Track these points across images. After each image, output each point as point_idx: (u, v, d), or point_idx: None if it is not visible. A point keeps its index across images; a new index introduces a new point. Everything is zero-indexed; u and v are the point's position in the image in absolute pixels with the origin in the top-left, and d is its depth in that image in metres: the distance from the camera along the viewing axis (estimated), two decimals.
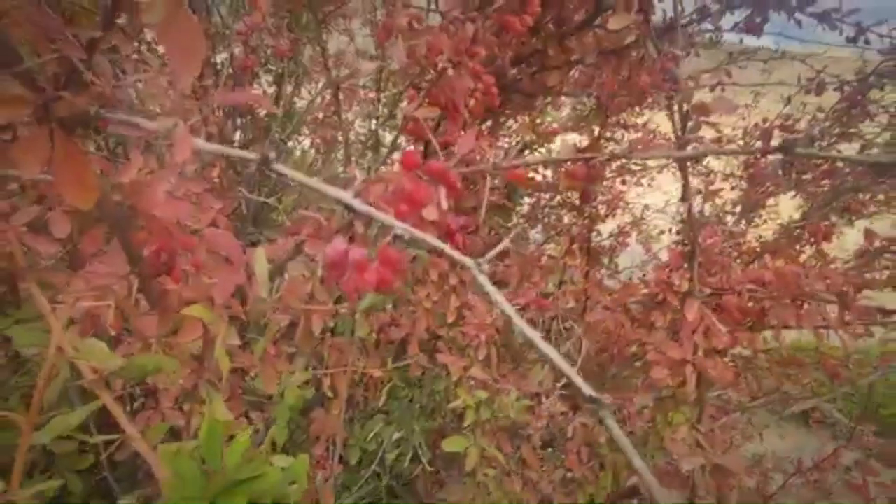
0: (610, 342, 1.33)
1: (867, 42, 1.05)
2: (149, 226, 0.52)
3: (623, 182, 2.63)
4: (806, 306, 1.12)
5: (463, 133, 0.83)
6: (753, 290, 1.12)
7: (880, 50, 1.45)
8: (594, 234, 2.32)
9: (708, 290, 1.16)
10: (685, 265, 1.21)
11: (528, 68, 1.23)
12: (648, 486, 0.26)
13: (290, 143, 2.23)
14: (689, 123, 0.87)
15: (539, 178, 2.57)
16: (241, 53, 1.12)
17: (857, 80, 1.30)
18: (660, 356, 1.04)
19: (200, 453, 0.37)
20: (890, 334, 1.11)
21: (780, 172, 1.68)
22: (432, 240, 0.30)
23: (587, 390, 0.25)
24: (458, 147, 0.46)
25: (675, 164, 2.65)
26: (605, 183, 2.47)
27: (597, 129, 2.12)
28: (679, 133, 0.80)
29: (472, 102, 0.72)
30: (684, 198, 0.92)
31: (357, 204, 0.30)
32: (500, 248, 0.35)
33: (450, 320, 1.16)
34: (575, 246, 1.59)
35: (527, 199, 2.64)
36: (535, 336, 0.30)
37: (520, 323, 0.30)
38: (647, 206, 2.83)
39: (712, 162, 2.58)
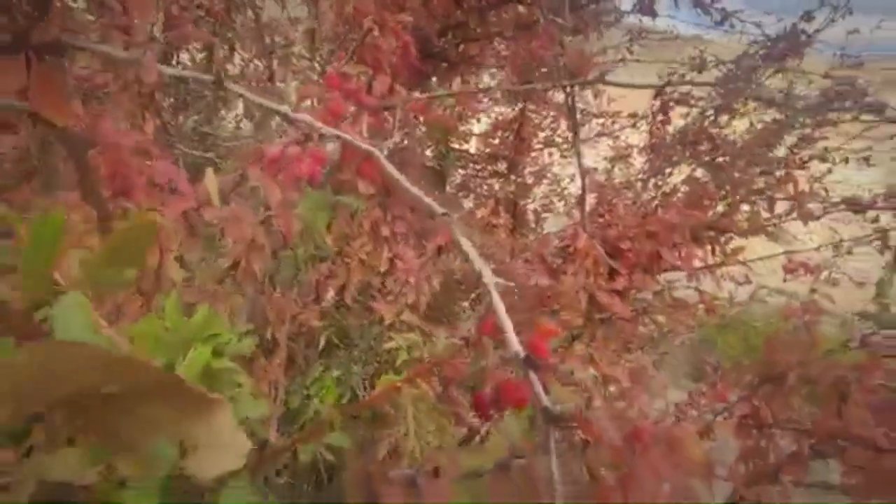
0: (528, 289, 1.49)
1: (732, 25, 1.25)
2: (105, 152, 0.60)
3: (549, 154, 2.82)
4: (685, 252, 1.33)
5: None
6: (647, 234, 1.31)
7: (765, 36, 1.68)
8: (524, 201, 2.50)
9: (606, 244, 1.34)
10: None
11: (453, 39, 1.34)
12: (494, 303, 0.38)
13: (222, 112, 2.24)
14: (579, 90, 1.01)
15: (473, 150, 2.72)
16: (176, 11, 1.15)
17: (734, 61, 1.50)
18: (564, 294, 1.21)
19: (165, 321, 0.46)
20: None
21: (679, 146, 1.90)
22: (343, 133, 0.40)
23: (437, 209, 0.37)
24: (375, 87, 0.56)
25: (597, 139, 2.87)
26: (532, 155, 2.65)
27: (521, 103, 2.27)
28: (568, 95, 0.94)
29: (393, 59, 0.82)
30: (576, 149, 1.07)
31: (293, 114, 0.40)
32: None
33: (382, 269, 1.28)
34: (501, 207, 1.74)
35: (461, 171, 2.78)
36: (476, 256, 0.41)
37: (467, 247, 0.41)
38: (571, 177, 3.04)
39: (632, 137, 2.81)
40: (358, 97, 0.48)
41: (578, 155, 1.07)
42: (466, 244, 0.38)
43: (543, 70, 1.28)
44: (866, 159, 1.38)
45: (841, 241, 1.32)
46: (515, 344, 0.33)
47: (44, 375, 0.18)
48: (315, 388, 1.44)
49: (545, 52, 0.94)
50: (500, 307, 0.36)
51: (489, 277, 0.36)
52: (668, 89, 1.79)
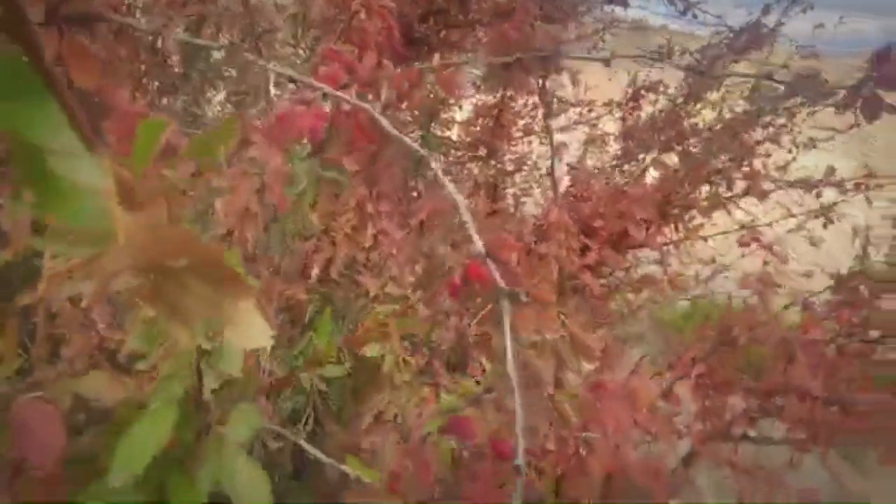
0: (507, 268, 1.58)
1: (695, 16, 1.34)
2: (117, 119, 0.66)
3: (529, 143, 2.90)
4: (652, 229, 1.42)
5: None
6: (617, 213, 1.40)
7: (727, 27, 1.78)
8: (503, 186, 2.58)
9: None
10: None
11: (434, 26, 1.41)
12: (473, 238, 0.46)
13: (209, 94, 2.27)
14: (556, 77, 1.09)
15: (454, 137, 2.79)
16: None
17: (700, 51, 1.60)
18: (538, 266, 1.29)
19: None
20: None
21: (650, 132, 2.00)
22: (338, 93, 0.47)
23: (421, 151, 0.44)
24: (364, 63, 0.63)
25: (576, 126, 2.97)
26: (512, 142, 2.73)
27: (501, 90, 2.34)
28: (540, 81, 1.02)
29: (378, 41, 0.88)
30: (547, 124, 1.16)
31: (301, 77, 0.47)
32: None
33: (367, 245, 1.34)
34: (481, 190, 1.82)
35: (442, 158, 2.85)
36: (462, 202, 0.48)
37: (454, 194, 0.48)
38: (549, 168, 3.13)
39: (608, 125, 2.92)
40: (353, 67, 0.55)
41: (549, 130, 1.15)
42: (452, 189, 0.46)
43: (517, 56, 1.35)
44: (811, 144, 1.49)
45: (791, 215, 1.43)
46: (480, 246, 0.40)
47: (144, 240, 0.25)
48: (301, 359, 1.51)
49: (517, 33, 1.01)
50: (479, 242, 0.43)
51: (467, 214, 0.43)
52: (640, 78, 1.89)
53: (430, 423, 0.80)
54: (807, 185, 1.35)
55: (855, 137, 1.86)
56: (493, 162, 2.43)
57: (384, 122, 0.46)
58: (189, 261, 0.28)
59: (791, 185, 1.36)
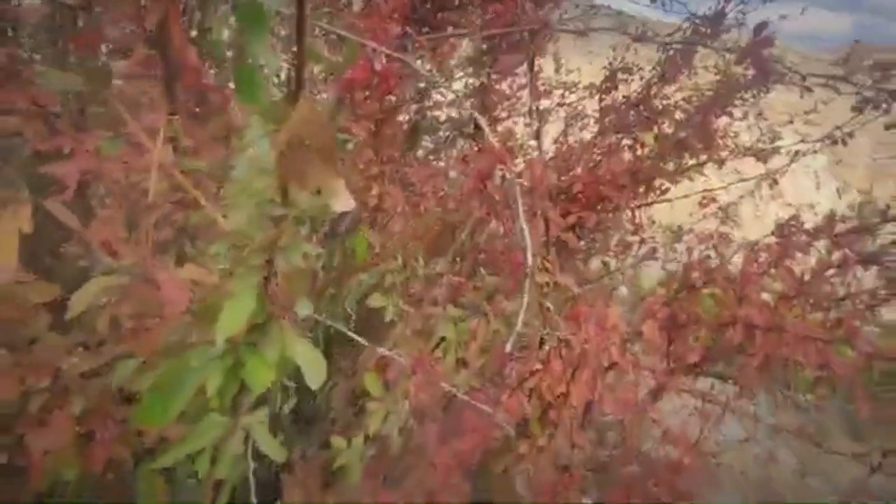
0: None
1: (663, 4, 1.51)
2: (186, 67, 0.79)
3: (514, 123, 3.07)
4: (626, 194, 1.60)
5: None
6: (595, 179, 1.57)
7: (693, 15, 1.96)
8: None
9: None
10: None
11: (432, 7, 1.55)
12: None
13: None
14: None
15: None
16: None
17: (671, 39, 1.77)
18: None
19: None
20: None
21: (627, 110, 2.17)
22: (376, 45, 0.62)
23: (422, 70, 0.59)
24: (389, 33, 0.78)
25: (558, 108, 3.14)
26: (497, 122, 2.89)
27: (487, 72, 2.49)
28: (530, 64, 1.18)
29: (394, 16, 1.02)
30: (531, 86, 1.31)
31: (348, 34, 0.61)
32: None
33: (371, 204, 1.49)
34: (469, 163, 1.98)
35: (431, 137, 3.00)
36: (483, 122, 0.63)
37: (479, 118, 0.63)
38: (534, 147, 3.31)
39: (588, 108, 3.09)
40: (377, 36, 0.70)
41: (533, 92, 1.31)
42: (493, 140, 0.61)
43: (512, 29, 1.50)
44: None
45: (742, 180, 1.62)
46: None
47: (296, 124, 0.40)
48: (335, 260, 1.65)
49: (508, 15, 1.16)
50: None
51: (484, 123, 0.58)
52: (616, 61, 2.06)
53: (442, 327, 0.96)
54: (758, 153, 1.54)
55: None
56: (479, 140, 2.58)
57: (412, 62, 0.61)
58: (315, 142, 0.43)
59: (745, 153, 1.55)
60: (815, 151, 1.54)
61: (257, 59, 0.36)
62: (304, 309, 0.70)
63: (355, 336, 0.90)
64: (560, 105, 2.88)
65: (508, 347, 0.71)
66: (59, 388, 1.05)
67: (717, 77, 1.98)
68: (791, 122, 2.39)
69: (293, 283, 0.69)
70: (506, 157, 1.25)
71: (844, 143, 1.54)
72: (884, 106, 1.27)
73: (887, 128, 1.28)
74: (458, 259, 1.42)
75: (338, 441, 1.15)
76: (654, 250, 1.75)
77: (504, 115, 2.99)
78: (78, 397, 1.03)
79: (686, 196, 1.67)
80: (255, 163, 0.62)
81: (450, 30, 1.55)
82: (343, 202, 0.48)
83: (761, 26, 1.32)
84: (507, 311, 1.08)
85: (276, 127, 0.39)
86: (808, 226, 1.41)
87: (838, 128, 1.84)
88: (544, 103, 2.89)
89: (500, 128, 2.96)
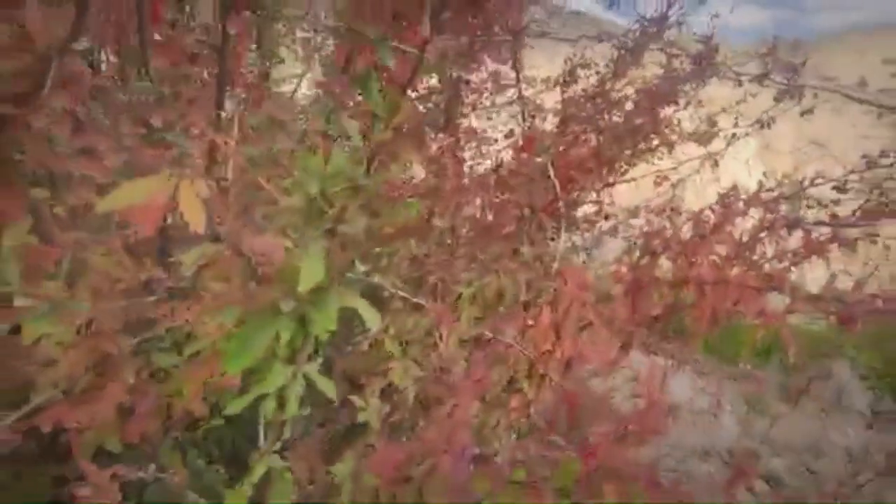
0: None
1: (618, 7, 1.73)
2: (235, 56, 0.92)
3: (477, 117, 3.26)
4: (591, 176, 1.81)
5: None
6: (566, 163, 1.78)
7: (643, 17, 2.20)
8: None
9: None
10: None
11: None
12: None
13: None
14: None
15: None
16: None
17: (623, 35, 2.00)
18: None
19: None
20: None
21: (586, 101, 2.40)
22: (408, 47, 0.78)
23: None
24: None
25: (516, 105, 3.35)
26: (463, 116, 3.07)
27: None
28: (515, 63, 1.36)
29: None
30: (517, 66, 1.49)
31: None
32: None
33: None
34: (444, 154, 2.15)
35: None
36: None
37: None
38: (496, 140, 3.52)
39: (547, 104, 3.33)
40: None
41: (518, 76, 1.49)
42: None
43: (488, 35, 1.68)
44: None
45: (690, 159, 1.88)
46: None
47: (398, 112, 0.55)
48: None
49: (486, 17, 1.33)
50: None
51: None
52: (575, 57, 2.28)
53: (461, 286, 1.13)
54: (699, 137, 1.80)
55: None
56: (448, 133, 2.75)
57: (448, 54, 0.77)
58: (407, 125, 0.59)
59: (689, 137, 1.80)
60: (747, 134, 1.81)
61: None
62: (359, 270, 0.85)
63: (403, 293, 1.06)
64: (520, 98, 3.10)
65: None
66: (110, 365, 1.16)
67: (662, 71, 2.23)
68: (724, 110, 2.70)
69: (351, 250, 0.84)
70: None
71: (769, 125, 1.81)
72: (798, 96, 1.53)
73: (802, 114, 1.54)
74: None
75: (358, 400, 1.30)
76: (616, 226, 1.98)
77: (466, 110, 3.18)
78: (126, 373, 1.15)
79: (643, 177, 1.91)
80: (314, 156, 0.77)
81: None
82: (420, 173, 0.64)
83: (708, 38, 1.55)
84: (511, 270, 1.26)
85: (387, 117, 0.55)
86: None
87: (765, 112, 2.13)
88: (505, 98, 3.09)
89: (466, 123, 3.14)
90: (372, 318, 0.84)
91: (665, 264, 1.66)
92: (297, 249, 0.81)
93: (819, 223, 1.42)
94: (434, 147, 2.61)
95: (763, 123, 1.92)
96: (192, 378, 1.17)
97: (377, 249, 1.16)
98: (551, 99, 2.75)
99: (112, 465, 1.10)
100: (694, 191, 2.05)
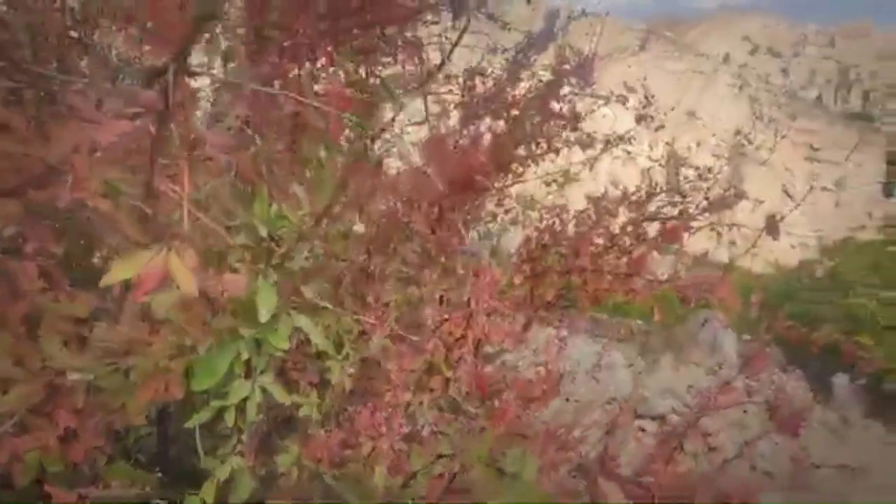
0: None
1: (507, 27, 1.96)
2: None
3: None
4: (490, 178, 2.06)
5: None
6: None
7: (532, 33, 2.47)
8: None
9: None
10: None
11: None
12: None
13: None
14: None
15: None
16: None
17: (515, 47, 2.24)
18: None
19: None
20: None
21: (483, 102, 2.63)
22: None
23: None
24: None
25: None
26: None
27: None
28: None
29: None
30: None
31: None
32: None
33: None
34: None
35: None
36: None
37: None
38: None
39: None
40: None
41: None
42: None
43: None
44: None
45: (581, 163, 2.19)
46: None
47: None
48: None
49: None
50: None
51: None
52: (473, 63, 2.49)
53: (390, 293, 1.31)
54: (584, 141, 2.10)
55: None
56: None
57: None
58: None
59: (574, 143, 2.09)
60: (630, 138, 2.16)
61: None
62: (309, 293, 1.00)
63: (340, 310, 1.21)
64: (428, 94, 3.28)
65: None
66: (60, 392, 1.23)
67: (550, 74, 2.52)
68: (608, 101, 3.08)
69: (301, 278, 0.99)
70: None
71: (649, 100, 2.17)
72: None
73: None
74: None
75: (299, 397, 1.46)
76: (515, 219, 2.25)
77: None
78: (76, 398, 1.23)
79: (537, 178, 2.19)
80: (257, 199, 0.91)
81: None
82: None
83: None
84: (431, 279, 1.47)
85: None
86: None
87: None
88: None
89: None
90: (318, 338, 1.01)
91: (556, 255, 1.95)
92: (251, 282, 0.95)
93: (670, 217, 1.77)
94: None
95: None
96: (139, 396, 1.27)
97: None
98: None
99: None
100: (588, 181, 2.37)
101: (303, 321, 0.98)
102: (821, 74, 73.60)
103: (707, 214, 1.87)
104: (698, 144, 53.65)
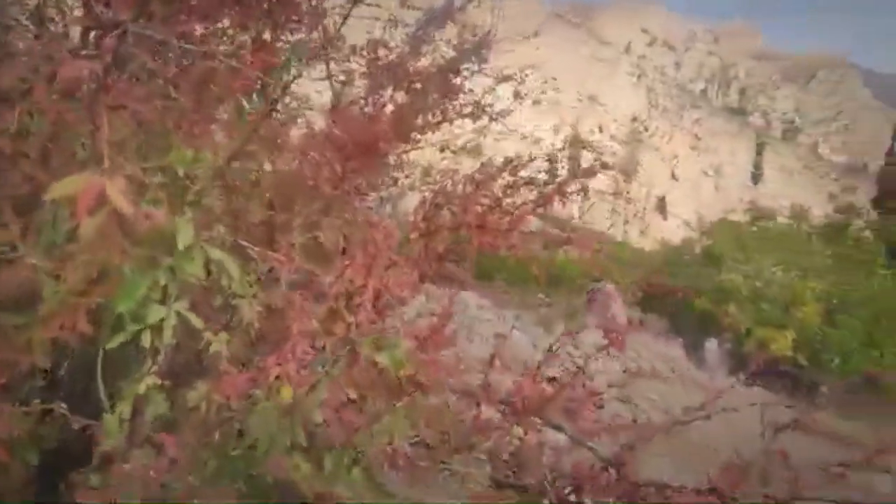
0: None
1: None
2: None
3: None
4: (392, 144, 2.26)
5: None
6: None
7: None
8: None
9: None
10: None
11: None
12: None
13: None
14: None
15: None
16: None
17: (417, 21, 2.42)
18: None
19: None
20: None
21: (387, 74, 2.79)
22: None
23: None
24: None
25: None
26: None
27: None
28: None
29: None
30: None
31: None
32: None
33: None
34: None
35: None
36: None
37: None
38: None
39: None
40: None
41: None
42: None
43: None
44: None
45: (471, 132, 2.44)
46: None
47: None
48: None
49: None
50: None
51: None
52: (376, 35, 2.64)
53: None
54: (476, 114, 2.35)
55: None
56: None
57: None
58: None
59: (465, 115, 2.34)
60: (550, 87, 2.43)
61: None
62: (220, 231, 1.15)
63: (250, 246, 1.35)
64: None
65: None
66: None
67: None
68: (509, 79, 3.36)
69: (213, 215, 1.12)
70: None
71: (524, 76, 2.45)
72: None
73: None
74: None
75: (207, 334, 1.58)
76: (413, 185, 2.46)
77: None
78: None
79: (433, 145, 2.41)
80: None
81: None
82: None
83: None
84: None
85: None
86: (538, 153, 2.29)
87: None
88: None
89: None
90: (232, 267, 1.16)
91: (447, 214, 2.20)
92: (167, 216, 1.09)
93: (546, 183, 2.08)
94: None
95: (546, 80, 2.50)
96: (45, 332, 1.34)
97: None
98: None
99: None
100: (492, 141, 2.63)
101: (217, 254, 1.13)
102: (706, 70, 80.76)
103: (576, 182, 2.20)
104: (600, 129, 57.12)
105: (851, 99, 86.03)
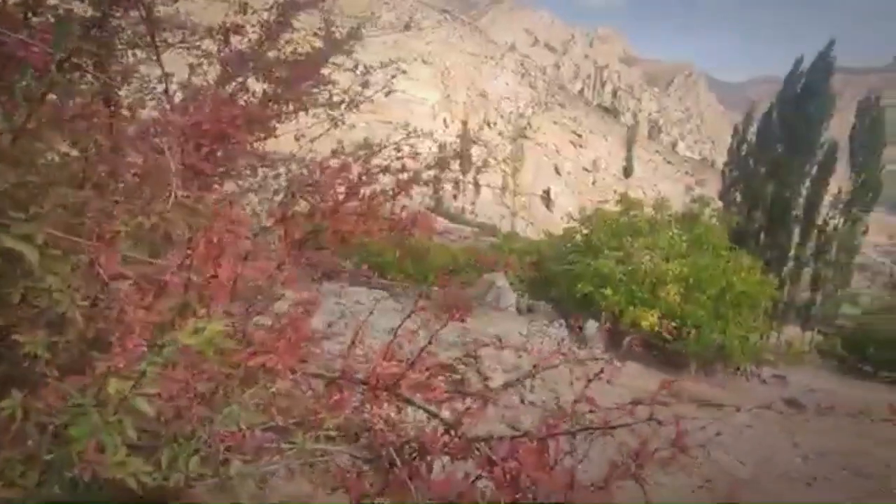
0: None
1: None
2: None
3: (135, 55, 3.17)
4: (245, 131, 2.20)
5: None
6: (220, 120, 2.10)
7: None
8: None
9: None
10: None
11: None
12: None
13: None
14: None
15: None
16: None
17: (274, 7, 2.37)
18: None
19: None
20: None
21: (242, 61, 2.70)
22: None
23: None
24: None
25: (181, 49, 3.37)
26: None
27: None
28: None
29: None
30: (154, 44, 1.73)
31: None
32: None
33: None
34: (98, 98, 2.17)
35: None
36: None
37: None
38: (159, 78, 3.49)
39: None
40: None
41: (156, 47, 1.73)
42: None
43: None
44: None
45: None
46: None
47: None
48: None
49: None
50: None
51: None
52: (227, 20, 2.54)
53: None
54: (332, 103, 2.36)
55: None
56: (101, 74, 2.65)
57: None
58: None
59: (323, 105, 2.35)
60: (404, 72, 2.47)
61: None
62: (17, 217, 1.06)
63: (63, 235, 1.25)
64: (181, 46, 3.15)
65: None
66: None
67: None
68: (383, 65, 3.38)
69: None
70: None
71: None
72: None
73: None
74: None
75: (22, 336, 1.44)
76: (277, 174, 2.42)
77: (122, 47, 3.07)
78: None
79: (290, 133, 2.38)
80: None
81: None
82: None
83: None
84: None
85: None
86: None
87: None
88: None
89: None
90: (32, 255, 1.08)
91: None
92: None
93: (397, 171, 2.15)
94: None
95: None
96: None
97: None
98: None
99: None
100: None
101: (9, 241, 1.04)
102: (583, 71, 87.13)
103: (431, 171, 2.30)
104: (489, 124, 59.26)
105: (700, 102, 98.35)
